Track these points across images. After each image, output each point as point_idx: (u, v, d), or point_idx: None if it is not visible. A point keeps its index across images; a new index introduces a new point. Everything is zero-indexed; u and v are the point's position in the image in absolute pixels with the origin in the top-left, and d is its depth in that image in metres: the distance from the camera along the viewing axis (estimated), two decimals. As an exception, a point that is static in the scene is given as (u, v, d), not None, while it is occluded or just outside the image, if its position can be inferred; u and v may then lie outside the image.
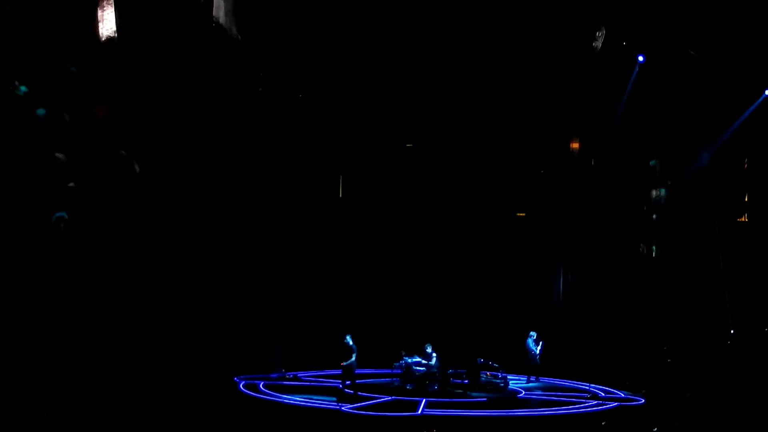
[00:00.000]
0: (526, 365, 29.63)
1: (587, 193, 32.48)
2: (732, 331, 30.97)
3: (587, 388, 27.73)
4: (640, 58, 29.86)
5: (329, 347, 30.39)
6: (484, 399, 25.90)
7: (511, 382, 28.05)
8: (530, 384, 29.10)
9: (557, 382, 29.62)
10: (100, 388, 22.09)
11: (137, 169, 23.20)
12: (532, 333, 29.58)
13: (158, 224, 24.38)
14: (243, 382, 26.30)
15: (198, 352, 25.00)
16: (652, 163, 29.25)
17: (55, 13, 22.88)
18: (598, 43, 29.75)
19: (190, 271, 24.66)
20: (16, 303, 22.06)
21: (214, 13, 25.60)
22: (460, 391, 27.01)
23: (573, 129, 32.55)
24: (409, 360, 27.28)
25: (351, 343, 25.29)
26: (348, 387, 25.10)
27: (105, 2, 23.23)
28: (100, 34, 23.25)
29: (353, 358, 25.09)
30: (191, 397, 24.01)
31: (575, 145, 32.68)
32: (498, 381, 27.76)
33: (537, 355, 29.27)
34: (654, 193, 32.51)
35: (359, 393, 24.94)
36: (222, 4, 25.81)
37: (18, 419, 19.40)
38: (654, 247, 32.48)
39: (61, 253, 22.86)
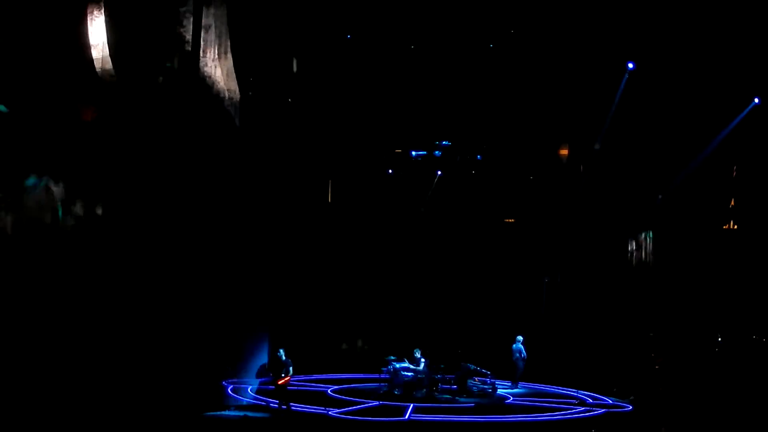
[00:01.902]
0: (513, 370, 29.79)
1: (576, 199, 32.55)
2: (719, 339, 31.04)
3: (575, 394, 27.77)
4: (630, 65, 29.91)
5: (318, 353, 30.52)
6: (472, 405, 25.91)
7: (499, 388, 28.12)
8: (517, 390, 29.16)
9: (545, 388, 29.66)
10: (87, 391, 22.03)
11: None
12: (519, 337, 29.67)
13: (147, 230, 24.29)
14: (231, 386, 26.28)
15: (185, 357, 24.89)
16: None
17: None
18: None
19: (177, 277, 24.58)
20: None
21: (204, 19, 25.62)
22: (447, 396, 27.01)
23: (562, 135, 32.63)
24: (398, 365, 27.28)
25: (285, 357, 25.02)
26: (280, 403, 24.35)
27: (95, 9, 23.20)
28: (90, 40, 23.22)
29: (291, 373, 24.86)
30: (179, 403, 24.03)
31: (564, 152, 32.77)
32: (486, 387, 27.81)
33: (522, 360, 29.36)
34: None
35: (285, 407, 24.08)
36: (210, 15, 25.84)
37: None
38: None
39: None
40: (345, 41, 28.99)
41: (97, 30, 23.21)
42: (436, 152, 32.79)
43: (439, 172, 33.03)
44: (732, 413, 24.03)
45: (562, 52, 29.84)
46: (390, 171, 33.08)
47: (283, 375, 24.40)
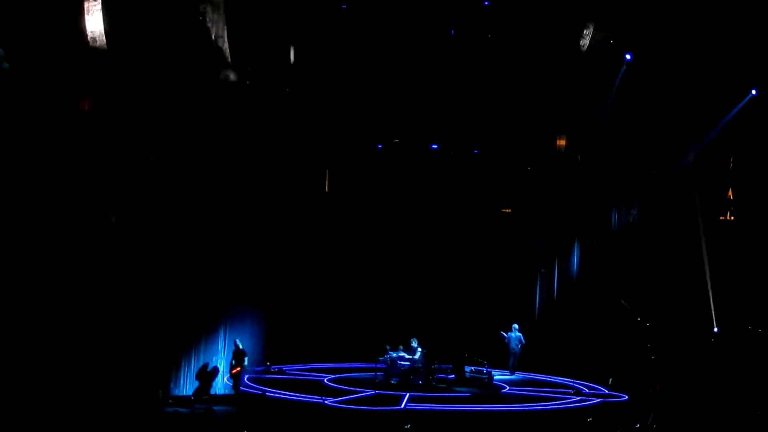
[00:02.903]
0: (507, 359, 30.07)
1: (573, 189, 32.57)
2: (716, 329, 31.10)
3: (571, 384, 27.87)
4: (628, 57, 29.92)
5: (315, 341, 30.56)
6: (468, 394, 25.97)
7: (496, 375, 28.22)
8: (513, 377, 29.35)
9: (541, 377, 29.74)
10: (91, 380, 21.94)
11: None
12: (515, 325, 29.99)
13: (147, 217, 24.20)
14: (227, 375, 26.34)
15: (179, 346, 24.94)
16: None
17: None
18: (586, 41, 29.79)
19: (173, 264, 24.54)
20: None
21: (200, 8, 25.57)
22: (444, 386, 27.06)
23: (560, 126, 32.62)
24: (394, 354, 27.34)
25: (241, 346, 25.04)
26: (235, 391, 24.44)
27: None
28: (87, 29, 23.13)
29: (246, 362, 24.70)
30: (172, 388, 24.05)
31: (562, 142, 32.77)
32: (483, 376, 27.87)
33: (518, 348, 29.72)
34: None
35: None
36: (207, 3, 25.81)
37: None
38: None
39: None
40: (343, 30, 28.89)
41: (94, 18, 23.13)
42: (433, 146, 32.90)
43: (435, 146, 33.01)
44: (727, 404, 24.09)
45: (560, 42, 29.77)
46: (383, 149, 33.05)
47: (233, 363, 24.47)
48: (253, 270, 28.68)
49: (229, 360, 25.01)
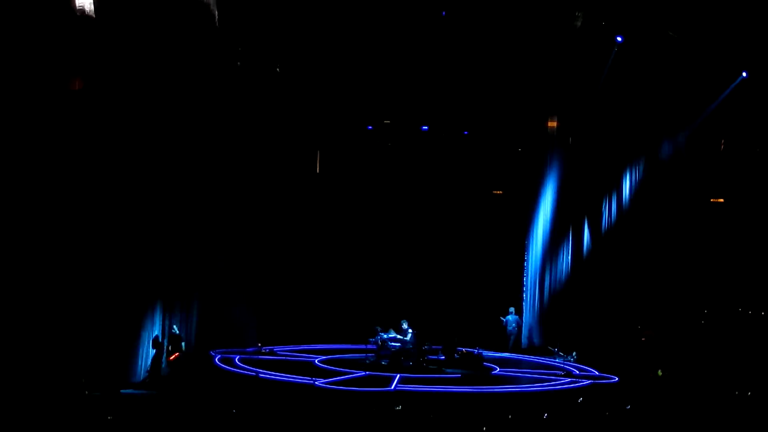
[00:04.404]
0: (502, 341, 30.26)
1: (564, 171, 32.57)
2: (705, 311, 31.24)
3: (561, 365, 27.94)
4: (619, 39, 29.87)
5: (306, 322, 30.60)
6: (459, 375, 26.01)
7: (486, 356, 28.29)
8: (504, 355, 29.52)
9: (532, 359, 29.83)
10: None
11: None
12: (511, 309, 30.43)
13: (137, 201, 24.04)
14: (218, 356, 26.35)
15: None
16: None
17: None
18: (577, 23, 29.71)
19: (166, 247, 24.47)
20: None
21: None
22: (434, 367, 27.09)
23: (551, 107, 32.58)
24: (385, 336, 27.36)
25: (176, 331, 24.69)
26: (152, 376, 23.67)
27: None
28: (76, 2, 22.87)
29: (183, 347, 24.41)
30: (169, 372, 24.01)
31: (553, 124, 32.73)
32: (473, 358, 27.88)
33: (514, 329, 30.10)
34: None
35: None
36: None
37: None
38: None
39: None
40: (333, 9, 28.68)
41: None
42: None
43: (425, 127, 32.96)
44: (717, 385, 24.17)
45: (551, 23, 29.66)
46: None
47: (170, 349, 24.19)
48: (244, 252, 28.70)
49: (166, 346, 24.68)
